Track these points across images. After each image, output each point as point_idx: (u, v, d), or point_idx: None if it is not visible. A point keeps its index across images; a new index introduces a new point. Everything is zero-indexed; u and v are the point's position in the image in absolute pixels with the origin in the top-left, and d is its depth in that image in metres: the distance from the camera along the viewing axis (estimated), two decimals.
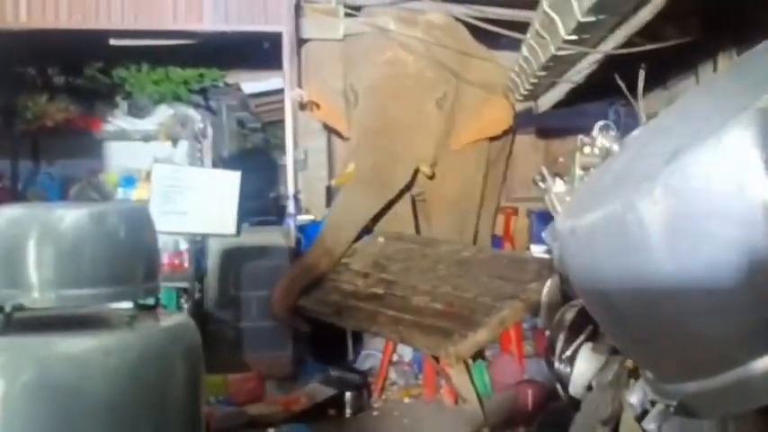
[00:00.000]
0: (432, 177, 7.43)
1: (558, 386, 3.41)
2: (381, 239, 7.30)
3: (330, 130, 8.15)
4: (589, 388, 3.12)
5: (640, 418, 1.33)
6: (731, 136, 1.10)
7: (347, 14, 7.84)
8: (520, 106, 8.09)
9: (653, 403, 1.30)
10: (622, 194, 1.20)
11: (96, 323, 2.37)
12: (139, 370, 2.16)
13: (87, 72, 7.94)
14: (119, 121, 7.24)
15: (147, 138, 7.09)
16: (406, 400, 6.24)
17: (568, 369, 3.28)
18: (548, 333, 3.51)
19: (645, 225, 1.14)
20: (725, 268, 1.09)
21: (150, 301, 2.53)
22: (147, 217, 2.56)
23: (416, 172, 7.37)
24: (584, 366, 3.15)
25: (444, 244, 6.98)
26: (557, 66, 6.07)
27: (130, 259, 2.38)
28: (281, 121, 8.05)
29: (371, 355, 6.80)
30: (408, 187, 7.46)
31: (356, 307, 6.23)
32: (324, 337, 6.71)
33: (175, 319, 2.58)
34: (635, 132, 1.44)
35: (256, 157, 9.20)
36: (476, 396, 5.65)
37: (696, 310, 1.13)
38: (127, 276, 2.36)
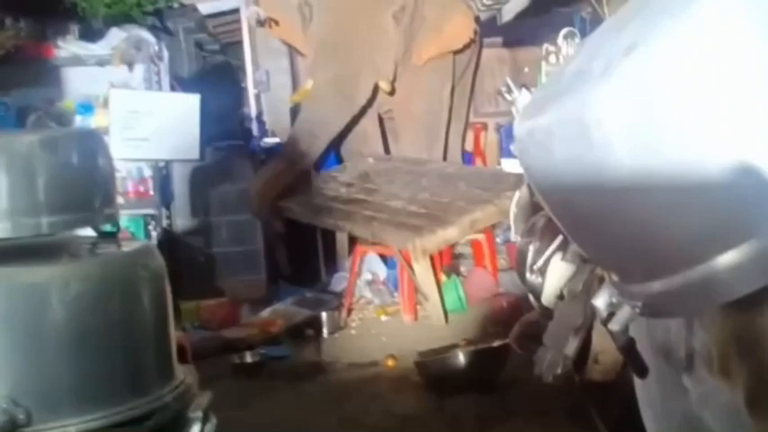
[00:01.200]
0: (392, 93, 7.34)
1: (531, 297, 3.44)
2: (371, 159, 7.31)
3: (290, 47, 7.99)
4: (561, 297, 3.15)
5: (606, 320, 1.31)
6: (693, 21, 1.04)
7: None
8: (483, 16, 7.94)
9: (619, 305, 1.28)
10: (579, 93, 1.15)
11: (56, 252, 2.32)
12: (102, 297, 2.11)
13: None
14: (71, 45, 6.99)
15: (101, 62, 6.88)
16: (383, 318, 6.30)
17: (540, 279, 3.30)
18: (518, 244, 3.52)
19: (603, 123, 1.10)
20: (686, 164, 1.06)
21: (110, 227, 2.46)
22: (101, 141, 2.47)
23: (377, 88, 7.28)
24: (554, 276, 3.16)
25: (431, 163, 7.04)
26: None
27: (86, 185, 2.30)
28: (242, 42, 7.86)
29: (345, 276, 6.84)
30: (370, 103, 7.38)
31: (335, 208, 6.32)
32: (297, 260, 6.73)
33: (137, 245, 2.52)
34: (594, 32, 1.39)
35: (218, 80, 8.99)
36: (438, 295, 5.74)
37: (657, 208, 1.10)
38: (84, 203, 2.29)
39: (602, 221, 1.17)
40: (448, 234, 5.49)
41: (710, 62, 1.05)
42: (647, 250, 1.16)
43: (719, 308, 1.19)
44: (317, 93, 7.01)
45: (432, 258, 5.82)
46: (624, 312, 1.26)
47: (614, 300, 1.30)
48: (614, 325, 1.29)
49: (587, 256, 1.57)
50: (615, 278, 1.28)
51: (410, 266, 5.82)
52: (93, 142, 2.43)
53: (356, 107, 7.23)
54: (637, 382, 1.72)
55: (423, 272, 5.76)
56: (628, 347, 1.33)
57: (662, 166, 1.08)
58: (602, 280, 2.22)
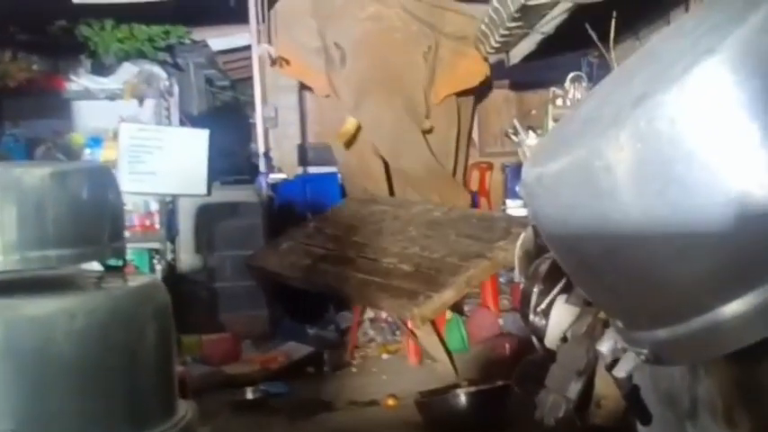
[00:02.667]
0: (430, 131, 7.47)
1: (534, 339, 3.43)
2: (355, 202, 7.32)
3: (304, 86, 8.10)
4: (564, 340, 3.14)
5: (611, 366, 1.32)
6: (697, 79, 1.08)
7: None
8: (491, 59, 8.06)
9: (624, 351, 1.28)
10: (589, 140, 1.18)
11: (62, 285, 2.33)
12: (107, 331, 2.12)
13: (51, 30, 7.76)
14: (83, 79, 7.08)
15: (112, 96, 6.96)
16: (384, 356, 6.26)
17: (543, 321, 3.28)
18: (522, 286, 3.52)
19: (612, 170, 1.12)
20: (692, 214, 1.08)
21: (117, 261, 2.48)
22: (111, 176, 2.50)
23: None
24: (558, 318, 3.15)
25: (416, 205, 7.02)
26: (527, 16, 6.01)
27: (95, 219, 2.32)
28: (251, 79, 7.95)
29: (349, 316, 6.81)
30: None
31: (326, 270, 6.23)
32: (301, 297, 6.70)
33: (143, 279, 2.54)
34: (604, 79, 1.42)
35: (227, 116, 9.07)
36: (446, 355, 5.69)
37: (664, 256, 1.12)
38: (92, 236, 2.31)
39: (608, 267, 1.18)
40: (444, 297, 5.41)
41: (715, 116, 1.08)
42: (653, 298, 1.17)
43: (725, 356, 1.19)
44: (382, 124, 7.28)
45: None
46: (629, 359, 1.27)
47: (619, 346, 1.31)
48: (619, 372, 1.29)
49: (592, 301, 1.58)
50: (620, 325, 1.28)
51: (412, 332, 5.81)
52: (103, 177, 2.46)
53: (421, 132, 7.49)
54: (640, 429, 1.72)
55: (425, 336, 5.75)
56: (632, 394, 1.33)
57: (668, 214, 1.10)
58: (605, 323, 2.22)
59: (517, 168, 6.88)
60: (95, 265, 2.48)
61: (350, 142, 7.51)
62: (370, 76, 7.29)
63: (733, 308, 1.09)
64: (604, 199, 1.13)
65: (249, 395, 5.33)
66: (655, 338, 1.19)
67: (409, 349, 6.07)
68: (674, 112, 1.08)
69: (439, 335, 5.81)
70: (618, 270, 1.17)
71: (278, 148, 8.14)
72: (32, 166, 2.80)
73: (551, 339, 3.20)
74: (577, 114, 1.39)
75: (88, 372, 2.08)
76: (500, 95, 9.19)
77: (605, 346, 1.33)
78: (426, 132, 7.57)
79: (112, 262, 2.43)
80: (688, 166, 1.08)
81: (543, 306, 3.26)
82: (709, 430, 1.37)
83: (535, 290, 3.35)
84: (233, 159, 7.97)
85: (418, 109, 7.49)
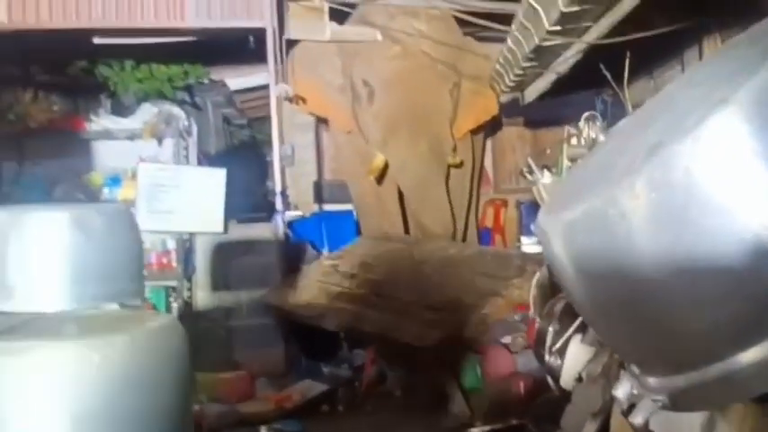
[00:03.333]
0: (460, 166, 7.69)
1: (549, 378, 3.41)
2: (369, 240, 7.34)
3: (321, 122, 8.20)
4: (579, 380, 3.12)
5: (627, 411, 1.31)
6: (711, 130, 1.09)
7: (334, 9, 7.85)
8: (506, 97, 8.14)
9: (640, 397, 1.28)
10: (604, 188, 1.19)
11: (81, 326, 2.34)
12: (125, 373, 2.12)
13: (71, 71, 7.88)
14: (103, 120, 7.18)
15: (131, 136, 7.05)
16: (399, 393, 6.22)
17: (559, 361, 3.27)
18: (537, 325, 3.50)
19: (627, 218, 1.13)
20: (708, 260, 1.08)
21: (136, 302, 2.50)
22: (131, 217, 2.53)
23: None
24: (573, 358, 3.14)
25: (430, 242, 7.03)
26: (541, 56, 6.07)
27: (114, 261, 2.35)
28: (268, 117, 8.02)
29: (363, 353, 6.79)
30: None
31: (343, 309, 6.22)
32: (316, 335, 6.69)
33: (162, 320, 2.54)
34: (620, 123, 1.43)
35: (244, 154, 9.15)
36: (461, 394, 5.65)
37: (680, 303, 1.12)
38: (111, 278, 2.33)
39: (624, 314, 1.19)
40: (464, 334, 5.45)
41: (729, 165, 1.09)
42: (669, 345, 1.17)
43: (742, 404, 1.19)
44: (410, 165, 7.42)
45: None
46: (646, 405, 1.27)
47: (635, 391, 1.31)
48: (636, 418, 1.29)
49: (610, 347, 1.58)
50: (636, 370, 1.28)
51: (428, 369, 5.79)
52: (123, 218, 2.49)
53: (444, 178, 7.62)
54: None
55: (442, 376, 5.73)
56: None
57: (684, 261, 1.11)
58: (621, 364, 2.22)
59: (532, 205, 6.88)
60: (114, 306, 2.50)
61: (380, 178, 7.63)
62: (399, 113, 7.45)
63: (750, 355, 1.09)
64: (620, 246, 1.14)
65: None
66: (671, 385, 1.19)
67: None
68: (689, 161, 1.09)
69: (454, 373, 5.78)
70: (633, 317, 1.18)
71: (294, 185, 8.19)
72: (52, 207, 2.83)
73: (566, 379, 3.18)
74: (593, 161, 1.41)
75: (105, 414, 2.08)
76: (515, 133, 9.24)
77: (621, 391, 1.33)
78: (456, 167, 7.72)
79: (131, 302, 2.45)
80: (703, 212, 1.09)
81: (558, 345, 3.26)
82: None
83: (550, 329, 3.35)
84: (250, 198, 8.02)
85: (445, 144, 7.59)
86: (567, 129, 5.61)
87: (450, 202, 7.72)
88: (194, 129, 7.32)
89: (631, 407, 1.32)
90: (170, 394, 2.24)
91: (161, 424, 2.18)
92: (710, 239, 1.09)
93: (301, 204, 8.12)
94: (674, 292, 1.12)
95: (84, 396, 2.05)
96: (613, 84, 4.72)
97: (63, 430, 2.01)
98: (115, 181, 6.86)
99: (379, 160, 7.47)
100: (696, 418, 1.46)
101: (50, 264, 2.27)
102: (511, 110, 8.49)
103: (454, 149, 7.72)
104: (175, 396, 2.27)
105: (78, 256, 2.29)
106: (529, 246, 7.48)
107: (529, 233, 7.67)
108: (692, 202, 1.09)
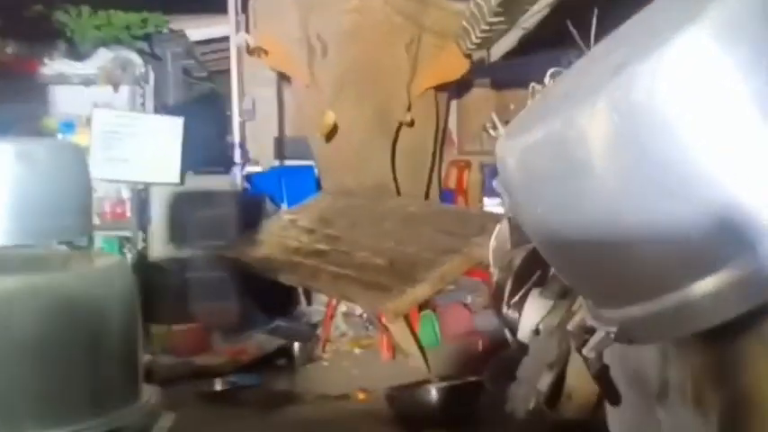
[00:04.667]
0: (411, 125, 7.47)
1: (507, 331, 3.42)
2: (329, 196, 7.28)
3: (284, 77, 8.05)
4: (537, 333, 3.13)
5: (581, 347, 1.29)
6: (677, 48, 1.05)
7: None
8: (474, 56, 8.05)
9: (594, 331, 1.26)
10: (564, 111, 1.14)
11: (27, 263, 2.28)
12: (70, 310, 2.07)
13: (27, 15, 7.63)
14: (58, 64, 6.97)
15: (86, 82, 6.85)
16: (356, 350, 6.24)
17: (516, 315, 3.28)
18: (495, 277, 3.50)
19: (586, 141, 1.09)
20: (665, 187, 1.05)
21: (83, 241, 2.43)
22: (79, 153, 2.45)
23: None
24: (531, 311, 3.15)
25: (392, 199, 6.97)
26: (508, 10, 5.99)
27: (60, 196, 2.27)
28: (229, 71, 7.88)
29: (322, 310, 6.78)
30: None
31: (299, 263, 6.19)
32: (273, 289, 6.65)
33: (110, 260, 2.48)
34: (591, 50, 1.39)
35: (203, 107, 8.96)
36: (418, 350, 5.67)
37: (636, 231, 1.09)
38: (56, 213, 2.25)
39: (580, 241, 1.16)
40: (418, 293, 5.36)
41: (696, 87, 1.05)
42: (624, 273, 1.14)
43: (694, 336, 1.18)
44: (354, 126, 7.23)
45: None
46: (599, 338, 1.25)
47: (589, 325, 1.29)
48: (589, 351, 1.27)
49: (563, 277, 1.56)
50: (590, 303, 1.26)
51: (385, 327, 5.78)
52: (70, 154, 2.41)
53: (391, 140, 7.46)
54: (609, 414, 1.70)
55: (398, 331, 5.71)
56: (601, 374, 1.31)
57: (642, 189, 1.07)
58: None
59: (495, 168, 6.86)
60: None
61: (330, 135, 7.47)
62: (349, 70, 7.25)
63: (704, 286, 1.07)
64: (578, 170, 1.10)
65: (218, 386, 5.29)
66: (625, 316, 1.17)
67: (382, 344, 6.05)
68: (653, 82, 1.05)
69: (412, 330, 5.79)
70: (590, 244, 1.14)
71: (255, 141, 8.07)
72: None
73: (524, 332, 3.19)
74: (556, 89, 1.37)
75: (49, 350, 2.03)
76: (480, 94, 9.17)
77: (574, 325, 1.31)
78: (407, 125, 7.53)
79: (77, 240, 2.38)
80: (663, 137, 1.05)
81: (516, 299, 3.26)
82: (679, 412, 1.36)
83: (508, 282, 3.35)
84: (208, 151, 7.87)
85: (397, 102, 7.43)
86: (533, 85, 5.58)
87: (393, 170, 7.61)
88: (151, 76, 7.15)
89: (585, 342, 1.30)
90: (117, 334, 2.19)
91: (105, 362, 2.12)
92: (670, 166, 1.05)
93: (263, 160, 8.01)
94: (631, 220, 1.09)
95: (27, 331, 1.99)
96: (580, 43, 4.68)
97: (5, 363, 1.95)
98: (69, 126, 6.67)
99: (328, 117, 7.31)
100: (648, 353, 1.45)
101: None
102: (477, 71, 8.42)
103: (409, 108, 7.57)
104: (122, 336, 2.21)
105: (22, 189, 2.22)
106: (492, 207, 7.48)
107: (492, 194, 7.66)
108: (654, 127, 1.05)
